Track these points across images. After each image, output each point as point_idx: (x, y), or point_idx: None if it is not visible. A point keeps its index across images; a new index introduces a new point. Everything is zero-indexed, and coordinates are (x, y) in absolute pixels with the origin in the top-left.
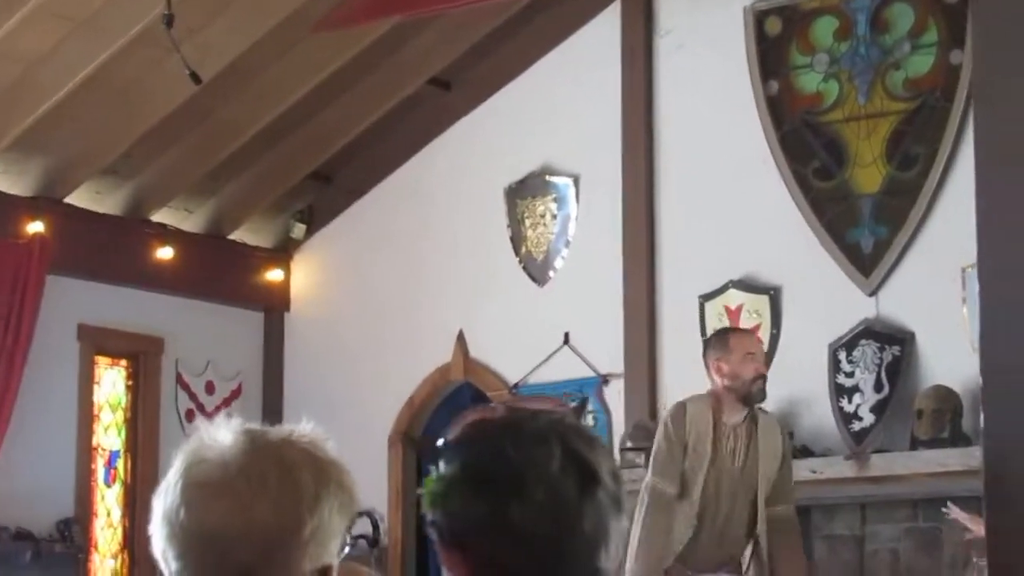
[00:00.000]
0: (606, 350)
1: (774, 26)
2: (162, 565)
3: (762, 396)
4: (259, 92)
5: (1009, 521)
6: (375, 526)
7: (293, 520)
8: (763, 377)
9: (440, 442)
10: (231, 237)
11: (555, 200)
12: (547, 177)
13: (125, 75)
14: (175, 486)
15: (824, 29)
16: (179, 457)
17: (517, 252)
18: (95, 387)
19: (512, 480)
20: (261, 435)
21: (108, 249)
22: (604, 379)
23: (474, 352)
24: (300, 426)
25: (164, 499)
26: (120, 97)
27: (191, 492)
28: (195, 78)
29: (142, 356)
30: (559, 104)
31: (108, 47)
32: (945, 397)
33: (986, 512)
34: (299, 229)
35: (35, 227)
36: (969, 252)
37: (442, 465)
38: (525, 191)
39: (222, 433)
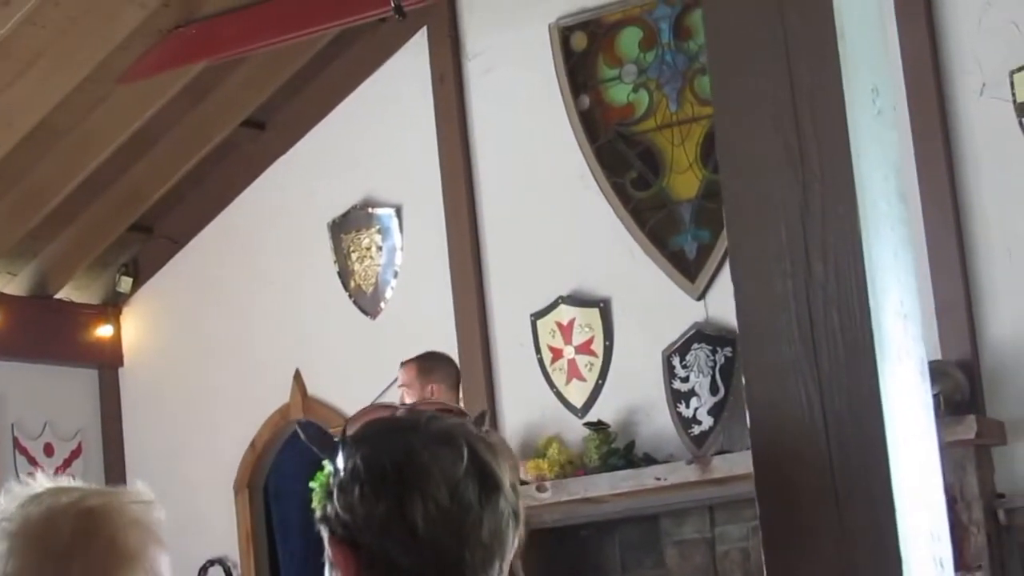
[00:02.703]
0: None
1: (580, 41)
2: None
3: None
4: (72, 148)
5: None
6: (228, 574)
7: (40, 571)
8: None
9: (337, 437)
10: (58, 296)
11: (379, 231)
12: (369, 209)
13: None
14: None
15: (629, 40)
16: None
17: (346, 287)
18: None
19: (416, 477)
20: (52, 494)
21: None
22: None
23: (312, 390)
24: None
25: None
26: None
27: None
28: None
29: None
30: (375, 136)
31: None
32: None
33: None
34: (125, 283)
35: None
36: None
37: (340, 460)
38: (349, 225)
39: (27, 490)
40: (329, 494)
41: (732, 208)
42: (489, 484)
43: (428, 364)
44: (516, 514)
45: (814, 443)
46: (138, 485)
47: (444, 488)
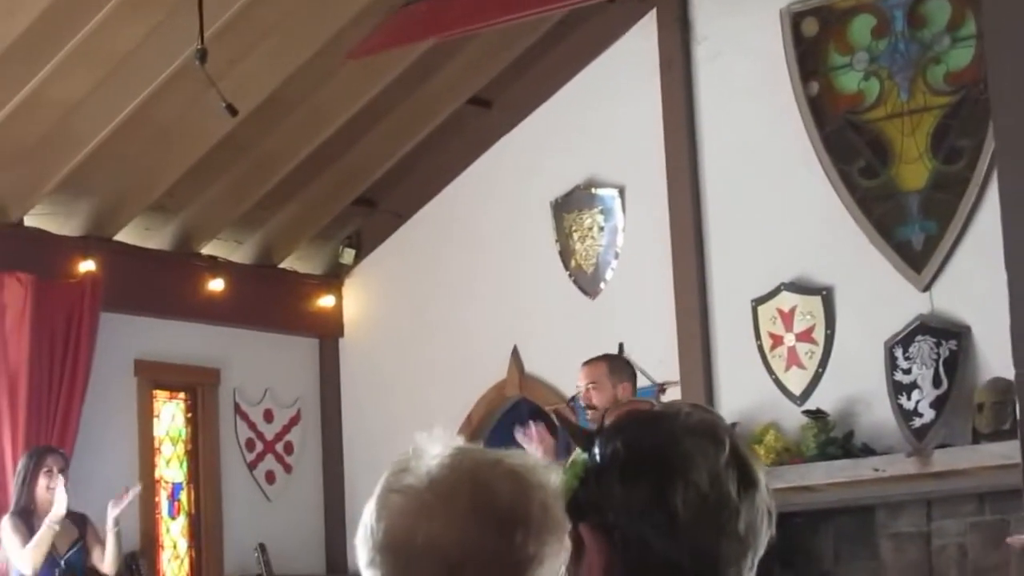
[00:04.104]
0: (661, 359)
1: (811, 27)
2: (363, 573)
3: None
4: (300, 122)
5: None
6: None
7: (477, 537)
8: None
9: (593, 428)
10: (282, 266)
11: (602, 212)
12: (592, 190)
13: (165, 112)
14: (376, 492)
15: (861, 28)
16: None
17: (567, 266)
18: (155, 421)
19: (679, 463)
20: (466, 452)
21: (160, 284)
22: (661, 388)
23: (529, 367)
24: (522, 451)
25: (368, 504)
26: (162, 134)
27: (385, 499)
28: (231, 110)
29: (199, 388)
30: (601, 116)
31: (146, 87)
32: (1005, 389)
33: None
34: (348, 255)
35: (86, 266)
36: None
37: (598, 446)
38: (571, 205)
39: (433, 446)
40: (583, 481)
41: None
42: (747, 478)
43: (617, 364)
44: (770, 513)
45: None
46: (534, 451)
47: (706, 476)
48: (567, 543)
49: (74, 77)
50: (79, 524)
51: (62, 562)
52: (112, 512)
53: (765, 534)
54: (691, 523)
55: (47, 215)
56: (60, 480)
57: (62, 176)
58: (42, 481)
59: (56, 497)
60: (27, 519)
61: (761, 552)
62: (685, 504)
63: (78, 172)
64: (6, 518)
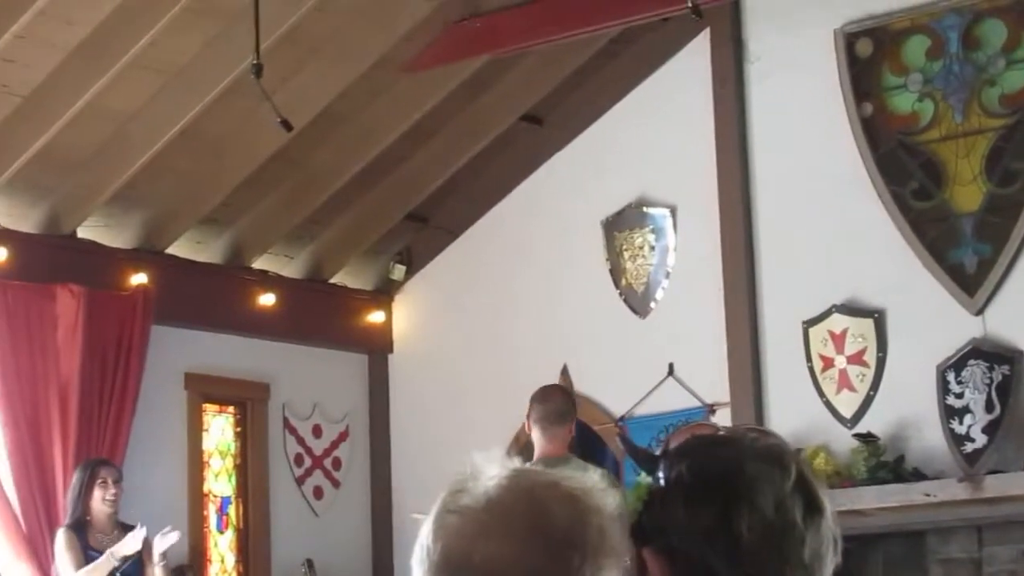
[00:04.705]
0: (711, 379)
1: (865, 48)
2: None
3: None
4: (352, 136)
5: None
6: None
7: (533, 560)
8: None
9: (658, 451)
10: (332, 281)
11: (653, 231)
12: (644, 208)
13: (219, 126)
14: (433, 512)
15: (916, 49)
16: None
17: (617, 285)
18: (204, 434)
19: (744, 487)
20: (525, 473)
21: (211, 297)
22: (711, 409)
23: (579, 386)
24: (583, 474)
25: (425, 524)
26: (215, 147)
27: (441, 519)
28: (286, 125)
29: (249, 402)
30: (653, 134)
31: (200, 99)
32: None
33: None
34: (399, 270)
35: (138, 278)
36: None
37: (662, 470)
38: (622, 223)
39: (491, 466)
40: (647, 504)
41: None
42: (813, 505)
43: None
44: (836, 541)
45: None
46: (593, 473)
47: (771, 501)
48: (624, 566)
49: (130, 88)
50: None
51: (118, 574)
52: (158, 548)
53: (830, 562)
54: (755, 549)
55: (100, 227)
56: (143, 531)
57: (116, 188)
58: (97, 493)
59: (133, 536)
60: (81, 532)
61: None
62: (749, 529)
63: (131, 184)
64: (61, 531)
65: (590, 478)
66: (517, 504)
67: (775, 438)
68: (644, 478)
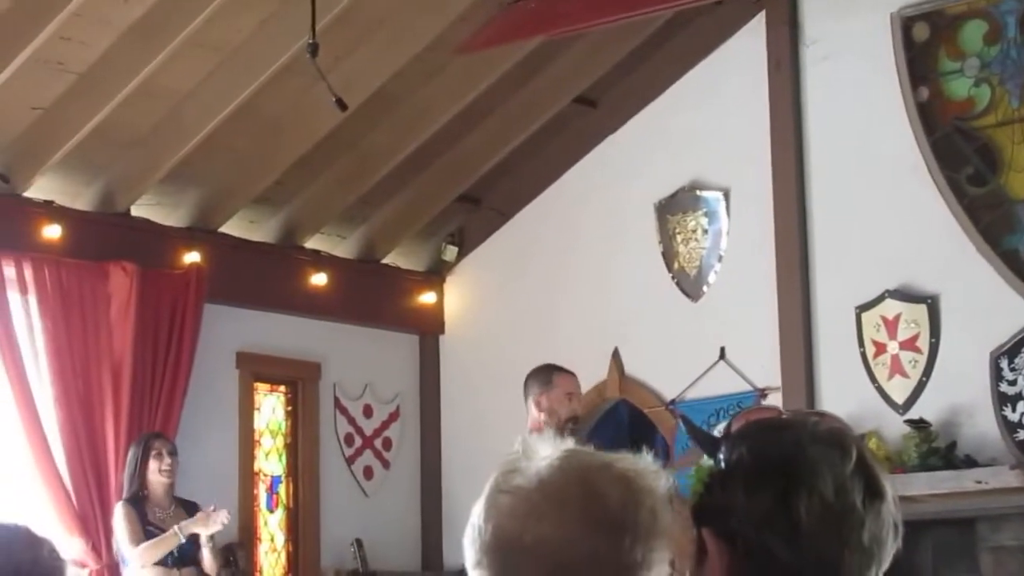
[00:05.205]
0: (762, 364)
1: (922, 32)
2: (469, 573)
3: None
4: (406, 117)
5: None
6: None
7: (585, 541)
8: (576, 419)
9: (718, 433)
10: (384, 261)
11: (706, 215)
12: (697, 192)
13: (274, 105)
14: (485, 492)
15: (973, 34)
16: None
17: (670, 268)
18: (255, 413)
19: (803, 471)
20: (577, 454)
21: (264, 277)
22: (762, 393)
23: (630, 369)
24: (631, 455)
25: (477, 504)
26: (270, 127)
27: (493, 499)
28: (341, 105)
29: (300, 382)
30: (706, 118)
31: (255, 79)
32: None
33: None
34: (451, 251)
35: (191, 257)
36: None
37: (723, 453)
38: (675, 206)
39: (543, 447)
40: (708, 487)
41: None
42: (874, 489)
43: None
44: (897, 526)
45: None
46: (643, 456)
47: (831, 485)
48: (683, 548)
49: (186, 67)
50: (193, 514)
51: (175, 550)
52: (206, 532)
53: (891, 547)
54: (814, 532)
55: (154, 205)
56: (224, 512)
57: (170, 166)
58: (152, 465)
59: (214, 519)
60: (139, 506)
61: (886, 565)
62: (808, 513)
63: (186, 162)
64: (119, 505)
65: (643, 459)
66: (569, 485)
67: (837, 422)
68: (706, 461)
